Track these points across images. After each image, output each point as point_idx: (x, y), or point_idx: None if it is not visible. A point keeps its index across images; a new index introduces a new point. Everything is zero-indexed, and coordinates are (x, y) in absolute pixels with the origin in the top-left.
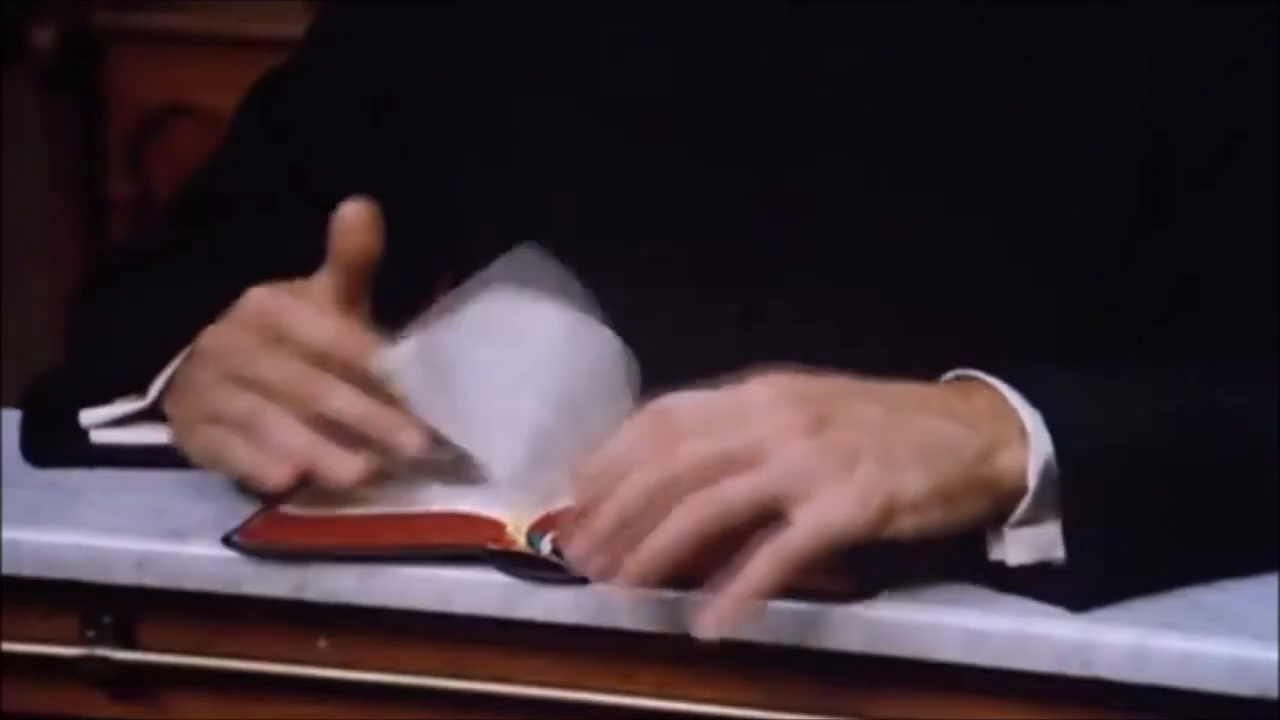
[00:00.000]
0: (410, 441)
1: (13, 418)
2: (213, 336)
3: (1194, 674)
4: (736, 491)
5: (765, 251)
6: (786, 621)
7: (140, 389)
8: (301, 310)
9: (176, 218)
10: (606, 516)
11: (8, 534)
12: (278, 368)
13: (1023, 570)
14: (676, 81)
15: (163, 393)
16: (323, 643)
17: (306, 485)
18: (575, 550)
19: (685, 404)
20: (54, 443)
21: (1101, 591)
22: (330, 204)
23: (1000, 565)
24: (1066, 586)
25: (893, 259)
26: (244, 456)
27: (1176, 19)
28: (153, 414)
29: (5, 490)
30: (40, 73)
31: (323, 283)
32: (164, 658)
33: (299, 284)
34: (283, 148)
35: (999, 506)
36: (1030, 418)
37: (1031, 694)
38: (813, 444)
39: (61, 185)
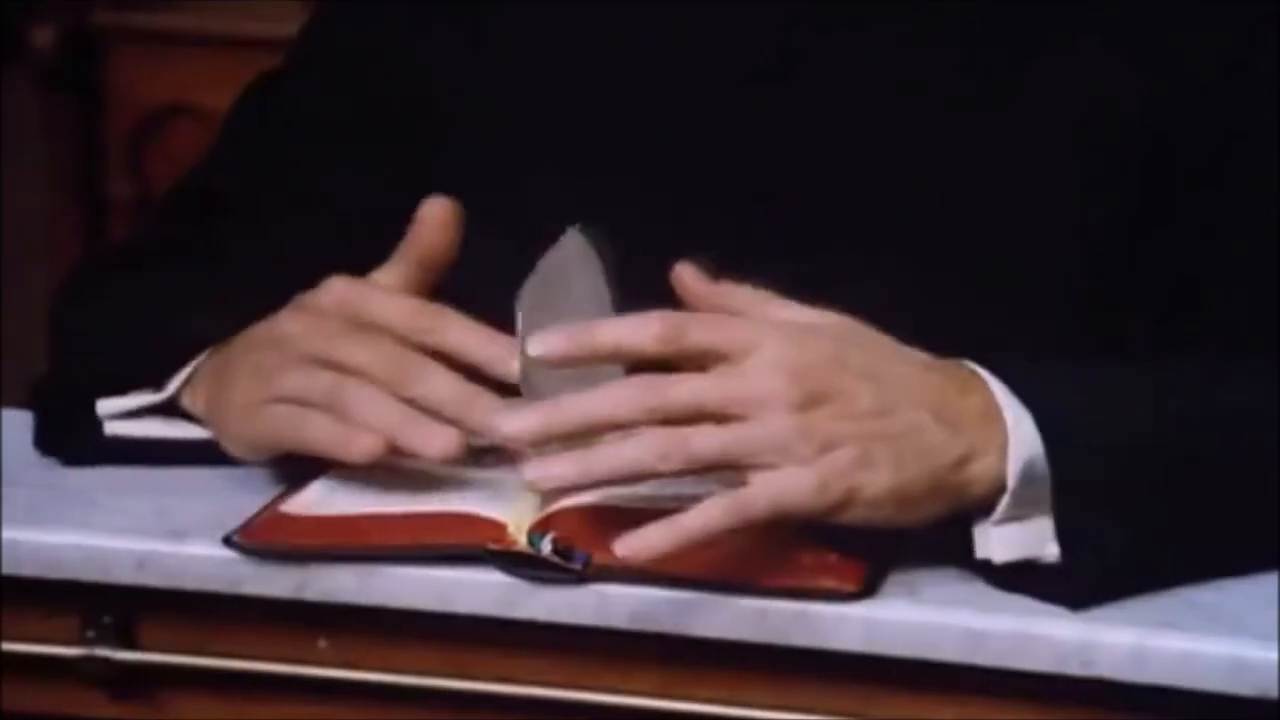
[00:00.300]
0: (508, 429)
1: (13, 418)
2: (289, 323)
3: (1194, 674)
4: (705, 445)
5: (765, 251)
6: (786, 621)
7: (139, 386)
8: (388, 298)
9: (171, 215)
10: (572, 410)
11: (8, 534)
12: (367, 349)
13: (1021, 568)
14: (676, 81)
15: (181, 388)
16: (323, 643)
17: (305, 483)
18: (523, 425)
19: (706, 325)
20: (68, 434)
21: (1099, 590)
22: (323, 204)
23: (1002, 567)
24: (1064, 585)
25: (892, 259)
26: (327, 431)
27: (1177, 19)
28: (167, 409)
29: (5, 490)
30: (40, 73)
31: (392, 275)
32: (164, 658)
33: (370, 276)
34: (276, 147)
35: (964, 509)
36: (1016, 417)
37: (1031, 694)
38: (794, 421)
39: (61, 185)
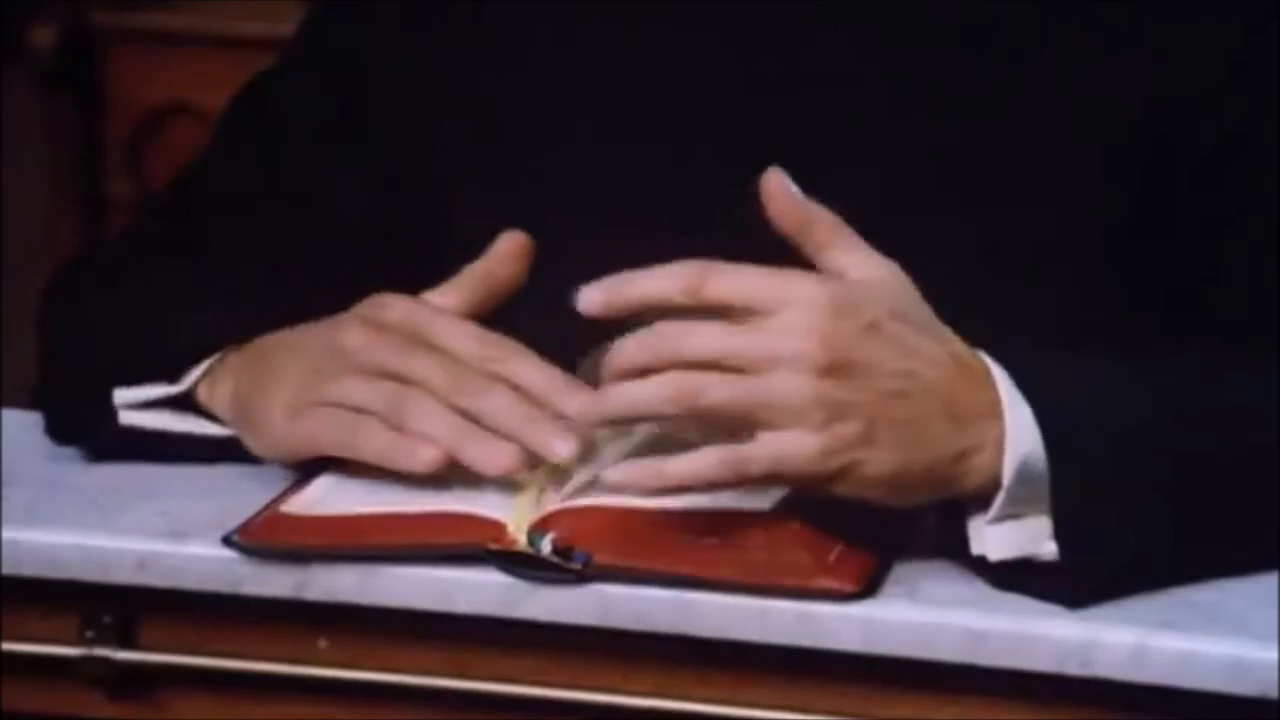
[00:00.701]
0: (562, 451)
1: (13, 418)
2: (345, 333)
3: (1193, 674)
4: (716, 393)
5: (766, 252)
6: (786, 621)
7: (150, 380)
8: (453, 322)
9: (167, 214)
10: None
11: (8, 534)
12: (431, 364)
13: (1019, 567)
14: (676, 83)
15: (198, 383)
16: (323, 642)
17: (305, 483)
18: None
19: (732, 277)
20: (84, 424)
21: (1098, 590)
22: (320, 203)
23: (1000, 567)
24: (1062, 584)
25: (892, 257)
26: (384, 439)
27: (1177, 19)
28: (179, 403)
29: (5, 490)
30: (40, 73)
31: (451, 297)
32: (164, 658)
33: (429, 296)
34: (271, 147)
35: (954, 498)
36: (1016, 414)
37: (1031, 694)
38: (812, 385)
39: (61, 185)
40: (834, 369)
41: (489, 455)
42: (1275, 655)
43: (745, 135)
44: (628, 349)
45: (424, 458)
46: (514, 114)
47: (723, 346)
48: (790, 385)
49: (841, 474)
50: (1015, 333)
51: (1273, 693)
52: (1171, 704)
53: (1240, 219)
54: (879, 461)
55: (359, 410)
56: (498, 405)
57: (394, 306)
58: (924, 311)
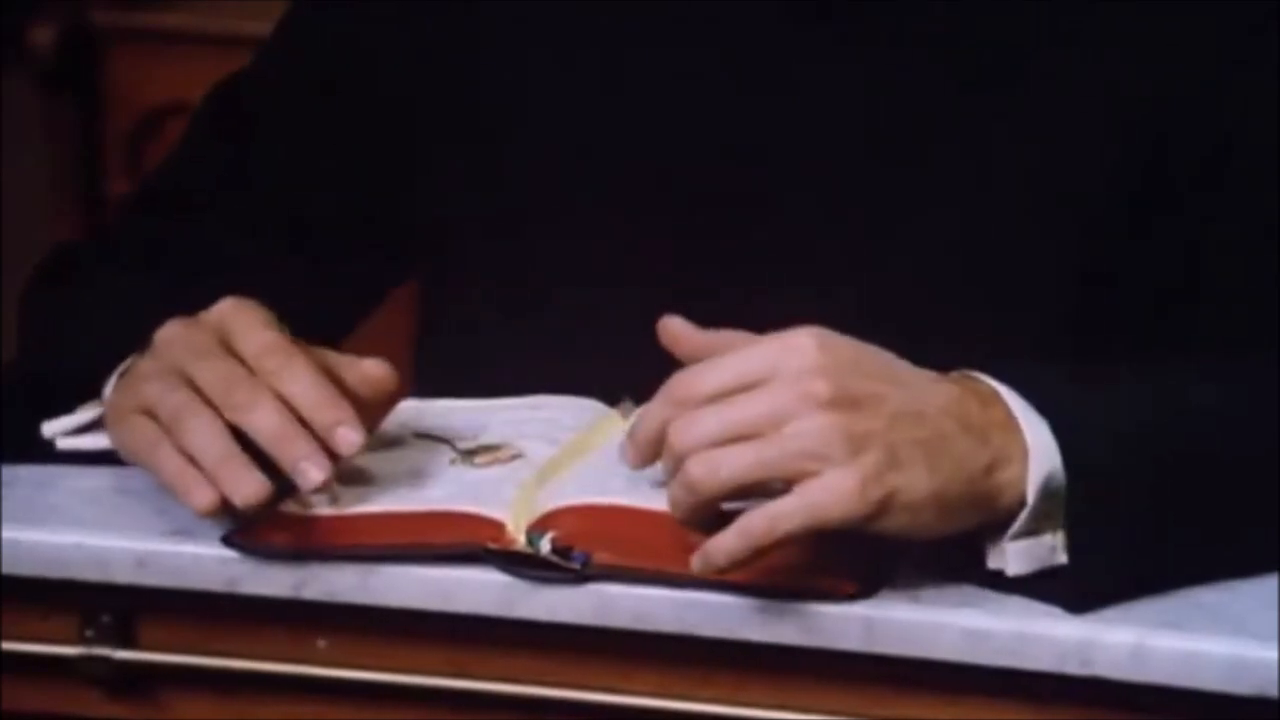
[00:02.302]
0: (313, 478)
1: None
2: (169, 330)
3: (1193, 674)
4: (737, 464)
5: (757, 253)
6: (786, 621)
7: (91, 392)
8: (253, 329)
9: (132, 216)
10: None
11: (8, 534)
12: (214, 369)
13: (1022, 576)
14: (673, 87)
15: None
16: (322, 642)
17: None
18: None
19: (711, 371)
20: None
21: (1102, 595)
22: (284, 206)
23: (999, 573)
24: (1067, 589)
25: (894, 260)
26: (173, 468)
27: (1177, 19)
28: None
29: (5, 490)
30: (40, 72)
31: (322, 362)
32: (163, 657)
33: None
34: (235, 150)
35: (992, 519)
36: (1035, 430)
37: (1031, 694)
38: (827, 420)
39: (61, 184)
40: (841, 402)
41: (235, 487)
42: (1275, 655)
43: (747, 143)
44: (641, 453)
45: (197, 500)
46: (508, 130)
47: (730, 422)
48: (806, 427)
49: (883, 507)
50: (1017, 332)
51: (1273, 693)
52: (1171, 704)
53: (1239, 218)
54: (915, 485)
55: (150, 414)
56: (256, 418)
57: (217, 305)
58: (890, 354)
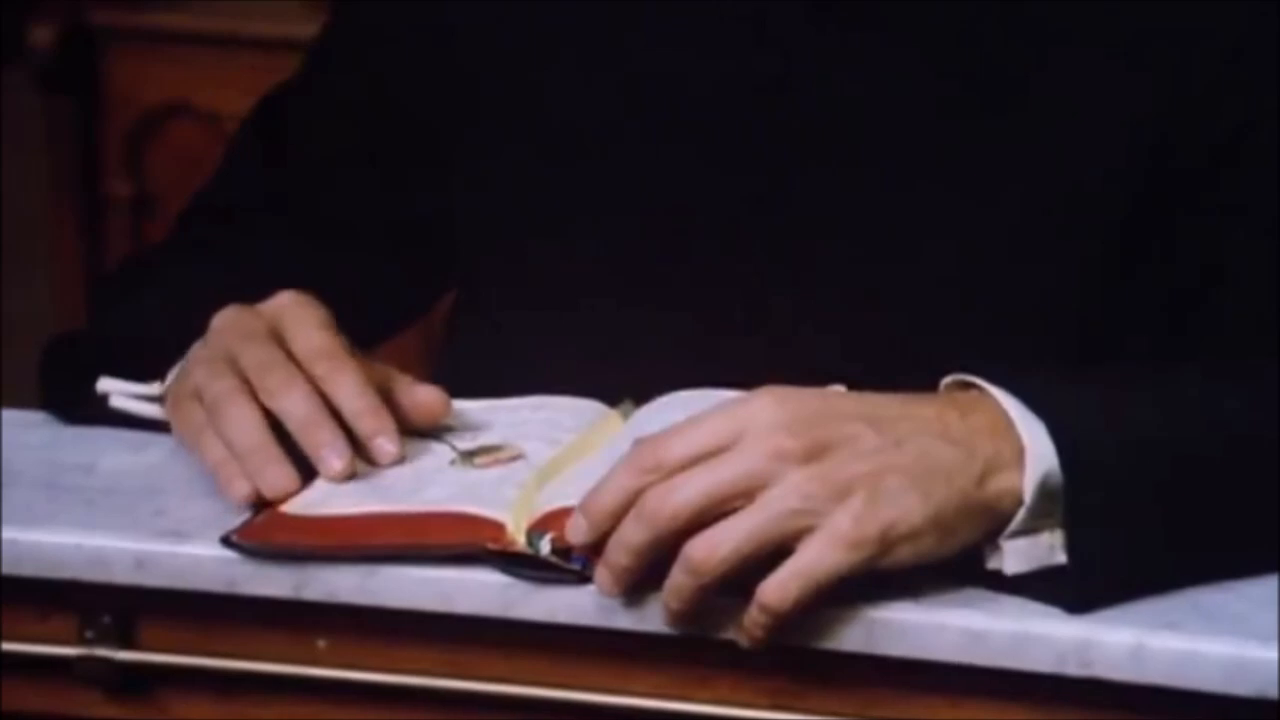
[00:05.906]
0: (334, 465)
1: (13, 417)
2: (224, 316)
3: (1193, 674)
4: (722, 547)
5: (768, 255)
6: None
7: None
8: (309, 330)
9: (184, 227)
10: (616, 551)
11: (8, 534)
12: (256, 354)
13: (1021, 575)
14: (680, 89)
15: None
16: (322, 643)
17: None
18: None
19: (676, 439)
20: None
21: (1102, 595)
22: (324, 218)
23: (998, 573)
24: (1066, 590)
25: (896, 262)
26: (215, 458)
27: (1179, 20)
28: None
29: (5, 490)
30: (39, 73)
31: (379, 377)
32: (163, 658)
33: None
34: (278, 164)
35: (996, 527)
36: (1030, 431)
37: (1031, 694)
38: (806, 473)
39: (61, 185)
40: (814, 452)
41: (262, 477)
42: (1275, 655)
43: (750, 144)
44: (598, 527)
45: (233, 492)
46: (528, 134)
47: (708, 484)
48: (786, 485)
49: (883, 545)
50: (1020, 334)
51: (1273, 693)
52: (1171, 704)
53: (1242, 219)
54: (909, 514)
55: (199, 398)
56: (287, 407)
57: (279, 299)
58: (861, 393)
